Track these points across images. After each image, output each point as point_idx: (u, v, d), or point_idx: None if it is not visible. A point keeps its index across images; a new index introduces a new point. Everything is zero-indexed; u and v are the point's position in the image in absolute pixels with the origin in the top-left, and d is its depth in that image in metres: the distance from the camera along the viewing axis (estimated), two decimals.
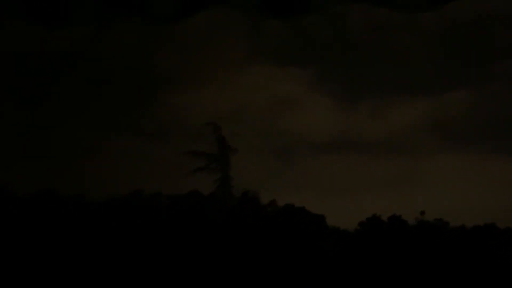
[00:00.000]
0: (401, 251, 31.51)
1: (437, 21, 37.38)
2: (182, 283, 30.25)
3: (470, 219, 33.36)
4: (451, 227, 33.07)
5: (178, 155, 36.58)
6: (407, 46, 41.55)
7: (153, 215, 33.21)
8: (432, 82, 42.40)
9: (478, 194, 35.97)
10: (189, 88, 43.03)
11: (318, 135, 44.81)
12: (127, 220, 32.45)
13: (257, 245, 31.91)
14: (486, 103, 42.14)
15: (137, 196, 34.68)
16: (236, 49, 41.81)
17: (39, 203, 32.76)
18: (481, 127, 42.80)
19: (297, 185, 38.79)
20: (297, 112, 44.30)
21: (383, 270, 30.87)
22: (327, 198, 36.64)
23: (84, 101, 40.03)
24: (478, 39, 40.11)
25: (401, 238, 32.07)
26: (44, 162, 38.00)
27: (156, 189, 35.07)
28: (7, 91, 38.56)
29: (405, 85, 43.04)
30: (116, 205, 33.75)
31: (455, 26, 39.16)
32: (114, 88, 40.52)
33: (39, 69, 37.98)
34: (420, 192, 36.97)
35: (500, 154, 40.06)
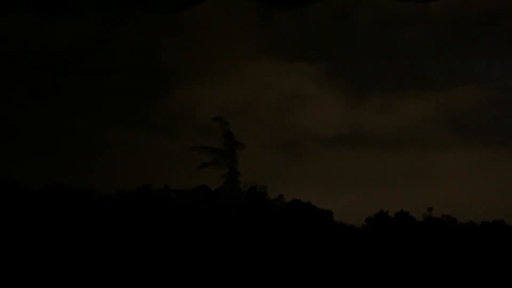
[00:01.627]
0: (408, 248, 31.00)
1: (447, 13, 36.67)
2: (189, 277, 30.07)
3: (479, 215, 32.77)
4: (459, 224, 32.56)
5: (186, 150, 36.41)
6: (417, 38, 40.93)
7: (162, 210, 33.13)
8: (443, 75, 41.76)
9: (488, 189, 35.26)
10: (198, 82, 42.96)
11: (327, 130, 44.46)
12: (136, 215, 32.39)
13: (264, 240, 31.67)
14: (499, 97, 41.41)
15: (145, 191, 34.62)
16: (245, 42, 41.57)
17: (50, 198, 32.83)
18: (493, 121, 42.13)
19: (305, 180, 38.40)
20: (305, 106, 43.98)
21: (389, 267, 30.38)
22: (335, 193, 36.24)
23: (93, 96, 40.13)
24: (490, 31, 39.31)
25: (408, 235, 31.60)
26: (53, 157, 38.19)
27: (165, 184, 35.02)
28: (15, 86, 38.77)
29: (415, 79, 42.48)
30: (125, 200, 33.75)
31: (466, 18, 38.40)
32: (122, 82, 40.55)
33: (46, 63, 38.08)
34: (429, 187, 36.37)
35: None
